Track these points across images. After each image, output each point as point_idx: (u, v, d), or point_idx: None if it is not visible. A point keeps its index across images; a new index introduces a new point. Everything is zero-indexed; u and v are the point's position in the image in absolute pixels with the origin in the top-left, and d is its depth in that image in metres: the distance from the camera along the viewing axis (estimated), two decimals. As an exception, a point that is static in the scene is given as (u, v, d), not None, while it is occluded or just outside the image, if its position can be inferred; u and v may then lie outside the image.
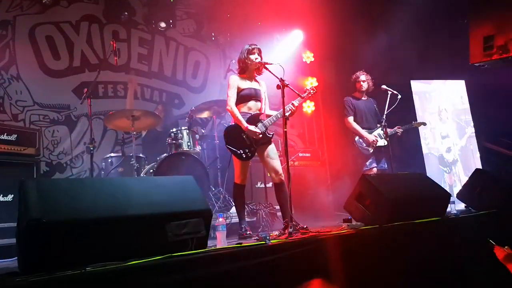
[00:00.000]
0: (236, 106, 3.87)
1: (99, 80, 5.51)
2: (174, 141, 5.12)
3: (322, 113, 7.04)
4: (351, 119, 5.40)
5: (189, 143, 5.15)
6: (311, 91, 3.99)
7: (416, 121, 5.71)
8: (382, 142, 5.24)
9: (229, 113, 3.90)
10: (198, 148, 5.34)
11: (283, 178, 3.80)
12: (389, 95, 5.07)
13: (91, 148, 4.25)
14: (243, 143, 3.78)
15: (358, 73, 5.52)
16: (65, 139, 5.57)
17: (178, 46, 6.91)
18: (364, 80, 5.46)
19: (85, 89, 4.55)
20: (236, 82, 3.90)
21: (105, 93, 6.16)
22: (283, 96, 3.45)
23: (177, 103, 6.85)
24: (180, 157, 4.87)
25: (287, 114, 3.82)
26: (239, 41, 6.44)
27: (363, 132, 5.30)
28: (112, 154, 5.09)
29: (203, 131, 5.81)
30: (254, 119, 3.85)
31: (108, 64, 5.58)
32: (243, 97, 3.89)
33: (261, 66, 3.90)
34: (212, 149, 5.66)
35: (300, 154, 6.27)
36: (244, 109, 3.88)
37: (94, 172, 4.86)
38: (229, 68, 5.71)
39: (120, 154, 5.06)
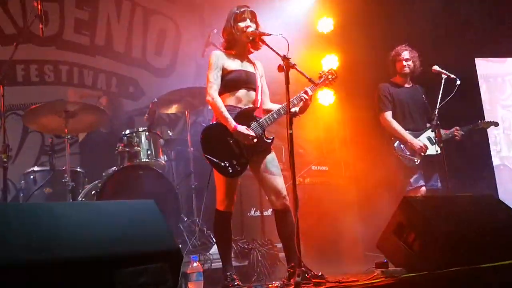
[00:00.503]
0: (219, 97, 3.89)
1: (17, 58, 5.51)
2: (127, 149, 5.12)
3: (345, 107, 7.05)
4: (388, 115, 5.43)
5: (149, 152, 5.16)
6: (330, 76, 4.00)
7: (484, 119, 5.75)
8: (433, 150, 5.28)
9: (210, 107, 3.92)
10: (163, 158, 5.34)
11: (287, 202, 3.79)
12: (443, 81, 5.10)
13: (4, 159, 4.26)
14: (230, 151, 3.77)
15: (399, 49, 5.57)
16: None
17: (134, 8, 6.97)
18: (408, 58, 5.50)
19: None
20: (220, 61, 3.92)
21: (26, 78, 6.19)
22: (287, 83, 3.47)
23: (133, 92, 6.88)
24: (136, 173, 4.90)
25: (294, 109, 3.81)
26: (226, 2, 6.48)
27: (406, 135, 5.33)
28: (36, 168, 5.09)
29: (171, 133, 5.83)
30: (246, 116, 3.84)
31: (31, 35, 5.61)
32: (230, 84, 3.90)
33: (256, 39, 3.92)
34: (184, 161, 5.69)
35: (314, 167, 6.26)
36: (232, 101, 3.89)
37: (8, 194, 4.86)
38: (209, 41, 5.73)
39: (48, 168, 5.05)
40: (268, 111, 3.98)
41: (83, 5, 6.62)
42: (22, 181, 5.06)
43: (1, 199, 4.60)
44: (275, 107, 3.98)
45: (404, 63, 5.49)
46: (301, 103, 3.85)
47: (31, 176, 5.01)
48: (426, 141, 5.34)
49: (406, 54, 5.51)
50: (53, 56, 6.35)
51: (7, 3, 6.11)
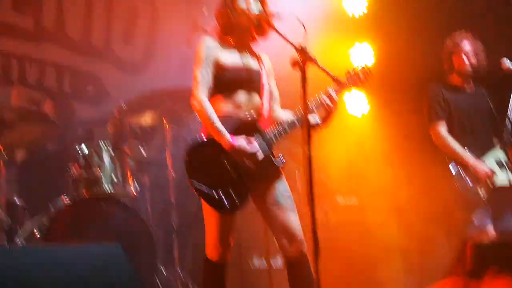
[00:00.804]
0: (210, 101, 3.91)
1: None
2: (83, 173, 5.14)
3: (383, 117, 7.05)
4: (442, 128, 5.46)
5: (115, 178, 5.18)
6: (361, 74, 4.02)
7: None
8: (504, 177, 5.30)
9: (196, 114, 3.93)
10: (133, 186, 5.34)
11: (304, 248, 3.81)
12: (517, 81, 5.14)
13: None
14: (225, 177, 3.77)
15: (457, 37, 5.58)
16: None
17: (95, -21, 7.02)
18: (470, 51, 5.53)
19: None
20: (212, 52, 3.94)
21: None
22: (304, 83, 3.48)
23: (92, 94, 6.89)
24: (96, 206, 4.95)
25: (313, 118, 3.84)
26: None
27: (467, 156, 5.34)
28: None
29: (144, 152, 5.84)
30: (247, 129, 3.84)
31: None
32: (225, 84, 3.92)
33: (263, 23, 3.96)
34: (162, 189, 5.69)
35: (340, 200, 6.26)
36: (228, 107, 3.91)
37: None
38: (197, 25, 5.77)
39: (-26, 198, 5.06)
40: (278, 121, 4.00)
41: (25, -24, 6.67)
42: None
43: None
44: (287, 116, 4.00)
45: (465, 57, 5.50)
46: (323, 110, 3.87)
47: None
48: (493, 165, 5.34)
49: (467, 45, 5.51)
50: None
51: None
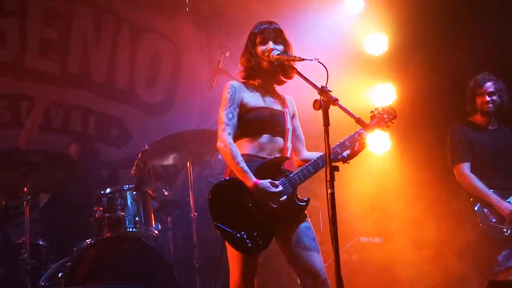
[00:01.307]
0: (236, 142, 3.94)
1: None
2: (107, 214, 5.16)
3: (405, 155, 7.02)
4: (466, 168, 5.45)
5: (137, 218, 5.19)
6: (386, 115, 4.03)
7: None
8: (529, 216, 5.27)
9: (220, 157, 3.94)
10: (155, 227, 5.34)
11: (329, 288, 3.82)
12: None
13: None
14: (248, 217, 3.76)
15: (480, 78, 5.60)
16: None
17: (118, 24, 7.11)
18: (493, 91, 5.53)
19: None
20: (238, 95, 3.97)
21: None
22: (326, 124, 3.46)
23: (116, 136, 6.95)
24: (119, 247, 4.93)
25: (341, 156, 3.86)
26: (243, 14, 6.57)
27: (491, 196, 5.32)
28: (-18, 241, 5.15)
29: (167, 193, 5.85)
30: (271, 170, 3.85)
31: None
32: (250, 126, 3.94)
33: (287, 66, 3.99)
34: (185, 229, 5.70)
35: (363, 239, 6.23)
36: (251, 149, 3.92)
37: None
38: (219, 68, 5.81)
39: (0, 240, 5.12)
40: (303, 162, 4.01)
41: (51, 21, 6.74)
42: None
43: None
44: (313, 156, 4.00)
45: (488, 98, 5.51)
46: (353, 145, 3.88)
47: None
48: None
49: (490, 86, 5.53)
50: (10, 88, 6.44)
51: None
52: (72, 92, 6.77)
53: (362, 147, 3.93)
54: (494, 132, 5.60)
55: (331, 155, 3.48)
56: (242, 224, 3.75)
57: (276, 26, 4.05)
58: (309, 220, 3.93)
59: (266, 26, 4.02)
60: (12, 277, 4.94)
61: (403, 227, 6.64)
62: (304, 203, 3.89)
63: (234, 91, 3.96)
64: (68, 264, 4.87)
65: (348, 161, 3.94)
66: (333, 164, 3.41)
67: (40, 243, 5.22)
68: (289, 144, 4.04)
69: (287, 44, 4.04)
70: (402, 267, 6.24)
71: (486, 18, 6.68)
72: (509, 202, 5.31)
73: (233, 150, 3.81)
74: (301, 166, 3.92)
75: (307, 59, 3.82)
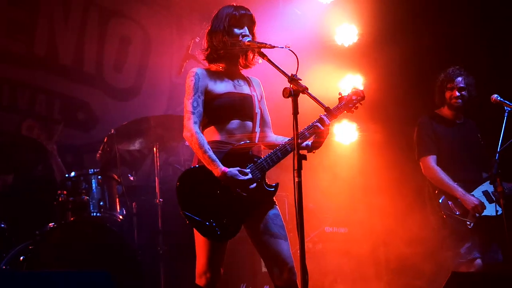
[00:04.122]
0: (203, 131, 3.91)
1: None
2: (71, 198, 5.12)
3: (372, 146, 7.07)
4: (432, 161, 5.47)
5: (102, 203, 5.17)
6: (355, 97, 4.01)
7: None
8: (492, 210, 5.28)
9: (188, 144, 3.90)
10: (120, 212, 5.32)
11: (295, 277, 3.76)
12: (506, 114, 5.13)
13: None
14: (217, 205, 3.74)
15: (451, 72, 5.58)
16: None
17: (87, 7, 7.02)
18: (463, 86, 5.52)
19: None
20: (202, 82, 3.92)
21: None
22: (295, 112, 3.46)
23: (82, 120, 6.88)
24: (83, 231, 4.90)
25: (305, 144, 3.83)
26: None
27: (456, 189, 5.35)
28: None
29: (132, 178, 5.80)
30: (239, 156, 3.83)
31: None
32: (218, 113, 3.91)
33: (255, 51, 3.95)
34: (150, 216, 5.65)
35: (328, 229, 6.24)
36: (222, 135, 3.89)
37: None
38: (189, 53, 5.78)
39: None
40: (271, 146, 3.99)
41: (19, 1, 6.65)
42: None
43: None
44: (279, 140, 3.99)
45: (457, 93, 5.51)
46: (314, 136, 3.85)
47: None
48: (482, 197, 5.35)
49: (460, 81, 5.52)
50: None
51: None
52: (38, 74, 6.67)
53: (325, 133, 3.85)
54: (461, 125, 5.62)
55: (299, 138, 3.49)
56: (211, 212, 3.73)
57: (251, 14, 4.01)
58: (277, 207, 3.92)
59: (245, 11, 3.98)
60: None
61: (368, 217, 6.69)
62: (273, 189, 3.87)
63: (198, 78, 3.92)
64: (30, 247, 4.80)
65: (314, 151, 3.90)
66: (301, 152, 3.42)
67: (2, 226, 5.12)
68: (258, 129, 4.01)
69: (254, 34, 4.01)
70: (363, 258, 6.29)
71: (455, 11, 6.73)
72: (473, 195, 5.33)
73: (199, 139, 3.79)
74: (268, 149, 3.92)
75: (278, 46, 3.79)
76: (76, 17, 6.96)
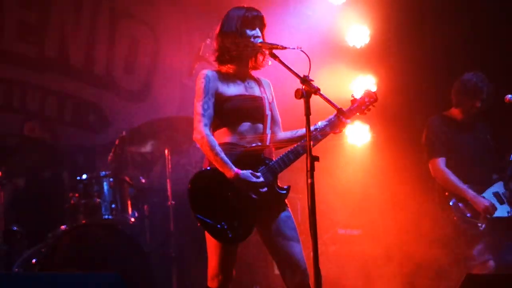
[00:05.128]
0: (214, 133, 3.91)
1: None
2: (83, 201, 5.16)
3: (385, 148, 7.06)
4: (441, 163, 5.47)
5: (114, 205, 5.19)
6: (367, 98, 4.01)
7: None
8: (503, 211, 5.31)
9: (199, 146, 3.90)
10: (132, 215, 5.34)
11: (308, 279, 3.75)
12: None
13: None
14: (229, 208, 3.75)
15: (478, 82, 5.47)
16: None
17: (97, 8, 7.06)
18: (485, 96, 5.45)
19: None
20: (212, 84, 3.90)
21: None
22: (308, 114, 3.46)
23: (93, 122, 6.90)
24: (94, 234, 4.95)
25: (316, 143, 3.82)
26: (224, 1, 6.42)
27: (466, 191, 5.34)
28: None
29: (144, 181, 5.83)
30: (251, 159, 3.83)
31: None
32: (229, 114, 3.90)
33: (266, 51, 3.94)
34: (162, 218, 5.69)
35: (341, 231, 6.24)
36: (233, 137, 3.88)
37: None
38: (199, 55, 5.78)
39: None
40: (281, 143, 4.01)
41: (29, 5, 6.69)
42: None
43: None
44: (288, 135, 4.02)
45: (479, 104, 5.46)
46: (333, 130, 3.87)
47: None
48: (493, 199, 5.35)
49: (485, 91, 5.44)
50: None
51: None
52: (49, 76, 6.70)
53: (345, 122, 3.88)
54: (471, 127, 5.61)
55: (311, 139, 3.46)
56: (223, 215, 3.73)
57: (262, 15, 4.00)
58: (289, 210, 3.92)
59: (256, 13, 3.97)
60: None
61: (382, 219, 6.67)
62: (285, 191, 3.87)
63: (208, 80, 3.90)
64: (42, 250, 4.85)
65: (337, 132, 3.91)
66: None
67: (15, 228, 5.17)
68: (268, 130, 4.01)
69: (263, 36, 3.99)
70: (378, 260, 6.27)
71: (468, 11, 6.71)
72: (483, 197, 5.32)
73: (210, 141, 3.78)
74: (277, 148, 3.95)
75: (290, 48, 3.79)
76: (86, 19, 7.00)
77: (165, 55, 7.23)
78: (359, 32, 7.08)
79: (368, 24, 7.08)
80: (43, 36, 6.73)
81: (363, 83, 6.83)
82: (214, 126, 3.91)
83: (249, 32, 3.92)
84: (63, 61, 6.80)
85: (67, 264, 4.70)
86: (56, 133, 6.50)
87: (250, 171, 3.74)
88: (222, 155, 3.75)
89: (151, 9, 7.31)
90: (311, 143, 3.45)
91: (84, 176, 5.28)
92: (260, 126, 3.97)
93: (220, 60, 4.03)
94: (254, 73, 4.12)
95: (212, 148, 3.76)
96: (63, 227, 5.06)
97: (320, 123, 3.89)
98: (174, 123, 5.70)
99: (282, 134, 4.11)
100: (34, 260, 4.85)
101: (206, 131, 3.82)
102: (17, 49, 6.61)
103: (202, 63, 5.61)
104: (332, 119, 3.88)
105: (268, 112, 4.02)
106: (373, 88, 6.44)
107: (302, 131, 3.85)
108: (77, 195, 5.20)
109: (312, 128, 3.67)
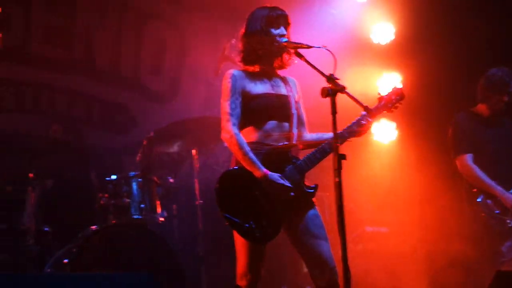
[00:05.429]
0: (241, 131, 3.91)
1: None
2: (112, 201, 5.18)
3: (412, 145, 7.03)
4: (468, 159, 5.44)
5: (143, 205, 5.20)
6: (394, 96, 4.02)
7: None
8: (531, 207, 5.26)
9: (227, 145, 3.93)
10: (161, 214, 5.36)
11: (336, 277, 3.75)
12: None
13: None
14: (257, 207, 3.77)
15: (505, 75, 5.45)
16: None
17: (123, 11, 7.10)
18: (507, 80, 5.42)
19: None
20: (239, 83, 3.94)
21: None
22: (334, 112, 3.46)
23: (121, 123, 6.95)
24: (124, 234, 4.97)
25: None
26: (249, 1, 6.41)
27: (494, 187, 5.31)
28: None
29: (172, 180, 5.86)
30: (278, 157, 3.85)
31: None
32: (256, 112, 3.92)
33: (291, 50, 3.96)
34: (191, 217, 5.71)
35: (369, 229, 6.22)
36: (259, 136, 3.91)
37: None
38: (225, 55, 5.80)
39: (5, 227, 5.15)
40: (308, 144, 4.02)
41: (56, 8, 6.73)
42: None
43: None
44: (314, 138, 4.03)
45: (507, 98, 5.43)
46: (360, 129, 3.88)
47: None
48: None
49: (509, 83, 5.41)
50: (15, 74, 6.43)
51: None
52: (76, 78, 6.73)
53: (366, 130, 3.90)
54: (498, 123, 5.58)
55: (339, 139, 3.47)
56: (251, 214, 3.75)
57: (287, 14, 4.02)
58: (317, 208, 3.93)
59: (281, 12, 3.99)
60: (18, 264, 4.95)
61: (409, 216, 6.65)
62: (312, 190, 3.89)
63: (235, 80, 3.94)
64: (73, 250, 4.88)
65: (357, 136, 3.93)
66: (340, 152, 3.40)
67: (46, 229, 5.23)
68: (295, 129, 4.02)
69: (289, 33, 4.02)
70: (405, 258, 6.25)
71: (494, 6, 6.66)
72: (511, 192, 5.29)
73: (239, 141, 3.80)
74: (303, 149, 3.95)
75: (315, 46, 3.81)
76: (112, 21, 7.03)
77: (190, 55, 7.25)
78: (384, 29, 7.09)
79: (392, 21, 7.08)
80: (69, 39, 6.78)
81: (388, 80, 6.83)
82: (240, 124, 3.92)
83: (274, 31, 3.95)
84: (90, 63, 6.84)
85: (98, 264, 4.73)
86: (82, 134, 6.56)
87: (279, 174, 3.76)
88: (251, 154, 3.77)
89: (176, 9, 7.33)
90: (338, 141, 3.46)
91: (114, 177, 5.31)
92: (286, 124, 3.98)
93: (246, 60, 4.05)
94: (280, 72, 4.13)
95: (241, 147, 3.78)
96: (93, 227, 5.09)
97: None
98: (200, 123, 5.71)
99: (308, 136, 4.13)
100: (65, 260, 4.87)
101: (234, 130, 3.84)
102: (44, 52, 6.64)
103: (227, 63, 5.63)
104: (359, 118, 3.89)
105: (294, 110, 4.03)
106: (400, 86, 6.45)
107: (329, 135, 3.82)
108: (106, 195, 5.23)
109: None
